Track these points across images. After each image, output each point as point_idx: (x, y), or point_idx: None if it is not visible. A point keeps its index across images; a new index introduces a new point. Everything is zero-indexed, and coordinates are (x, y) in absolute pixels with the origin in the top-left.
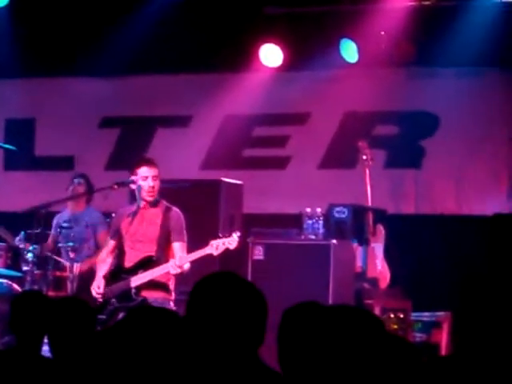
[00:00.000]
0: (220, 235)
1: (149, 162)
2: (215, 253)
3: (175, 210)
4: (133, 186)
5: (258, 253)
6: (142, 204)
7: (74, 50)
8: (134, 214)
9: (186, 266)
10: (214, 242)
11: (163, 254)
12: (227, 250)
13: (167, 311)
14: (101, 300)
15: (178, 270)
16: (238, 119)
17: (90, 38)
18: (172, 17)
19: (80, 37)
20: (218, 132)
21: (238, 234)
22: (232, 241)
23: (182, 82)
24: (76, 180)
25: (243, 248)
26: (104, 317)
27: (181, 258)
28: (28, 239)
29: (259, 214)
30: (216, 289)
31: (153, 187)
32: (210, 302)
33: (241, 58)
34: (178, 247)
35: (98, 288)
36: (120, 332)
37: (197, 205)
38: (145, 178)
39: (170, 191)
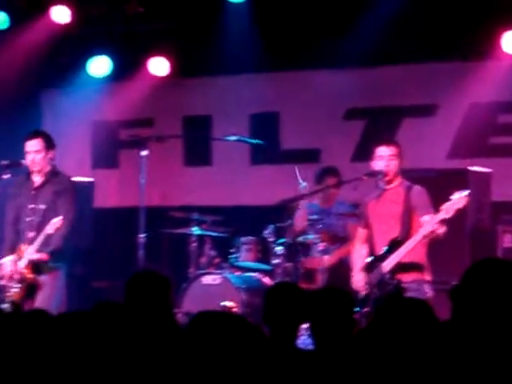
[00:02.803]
0: (450, 198)
1: (385, 141)
2: (447, 216)
3: (417, 187)
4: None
5: (508, 240)
6: (384, 187)
7: (318, 42)
8: (378, 197)
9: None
10: (444, 207)
11: (407, 232)
12: (458, 211)
13: (422, 302)
14: (364, 293)
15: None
16: (483, 107)
17: (332, 30)
18: (413, 5)
19: (323, 29)
20: (464, 120)
21: (466, 192)
22: (459, 200)
23: (427, 70)
24: (325, 174)
25: (492, 236)
26: (368, 309)
27: (425, 223)
28: (277, 232)
29: (508, 202)
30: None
31: (387, 166)
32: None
33: (484, 45)
34: (427, 219)
35: (359, 282)
36: (378, 327)
37: (444, 194)
38: (380, 158)
39: (417, 180)
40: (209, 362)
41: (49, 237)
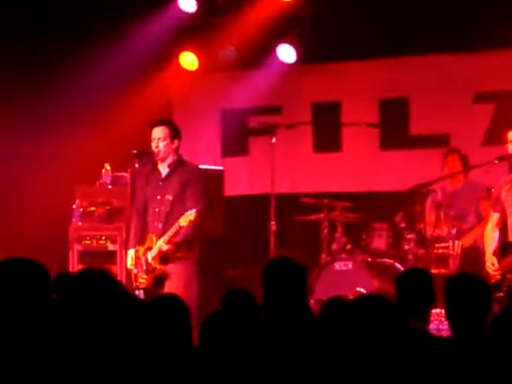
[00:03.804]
0: None
1: None
2: None
3: None
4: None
5: None
6: None
7: (446, 26)
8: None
9: None
10: None
11: None
12: None
13: None
14: (498, 277)
15: None
16: None
17: (461, 14)
18: None
19: (451, 13)
20: None
21: None
22: None
23: None
24: (447, 154)
25: None
26: (501, 294)
27: None
28: (408, 218)
29: None
30: None
31: None
32: None
33: None
34: None
35: (492, 265)
36: None
37: None
38: (511, 143)
39: None
40: (342, 349)
41: (181, 229)
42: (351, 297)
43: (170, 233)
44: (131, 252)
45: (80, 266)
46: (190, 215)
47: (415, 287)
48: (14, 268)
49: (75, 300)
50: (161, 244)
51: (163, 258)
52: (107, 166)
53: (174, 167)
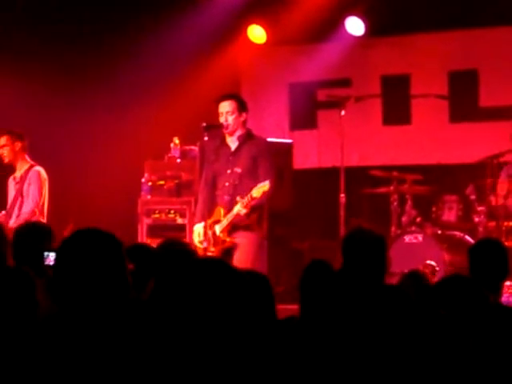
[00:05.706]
0: None
1: None
2: None
3: None
4: None
5: None
6: None
7: None
8: None
9: None
10: None
11: None
12: None
13: None
14: None
15: None
16: None
17: None
18: None
19: None
20: None
21: None
22: None
23: None
24: None
25: None
26: None
27: None
28: (479, 191)
29: None
30: None
31: None
32: None
33: None
34: None
35: None
36: None
37: None
38: None
39: None
40: (419, 319)
41: (253, 199)
42: (422, 269)
43: (244, 200)
44: (198, 227)
45: (149, 240)
46: (264, 186)
47: (489, 259)
48: (86, 238)
49: (156, 271)
50: (239, 209)
51: (230, 230)
52: (176, 140)
53: (243, 141)
